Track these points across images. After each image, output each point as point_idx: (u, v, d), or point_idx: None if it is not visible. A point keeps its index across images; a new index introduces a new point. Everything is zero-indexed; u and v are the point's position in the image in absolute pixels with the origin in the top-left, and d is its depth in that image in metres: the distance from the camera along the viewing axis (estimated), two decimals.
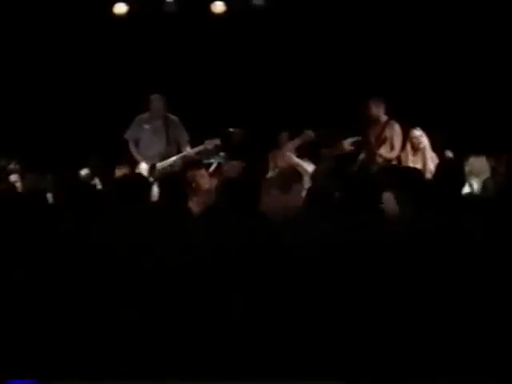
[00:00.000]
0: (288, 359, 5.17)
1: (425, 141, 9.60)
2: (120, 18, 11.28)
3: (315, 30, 11.29)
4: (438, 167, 6.48)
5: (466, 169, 7.45)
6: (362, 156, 9.95)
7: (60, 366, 5.25)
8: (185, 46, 11.58)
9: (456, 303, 5.15)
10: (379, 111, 9.89)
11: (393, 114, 9.95)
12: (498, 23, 10.88)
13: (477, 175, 7.98)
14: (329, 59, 11.26)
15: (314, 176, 7.89)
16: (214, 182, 8.49)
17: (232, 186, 5.96)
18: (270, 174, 9.07)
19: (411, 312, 5.18)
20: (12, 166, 9.37)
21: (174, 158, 9.83)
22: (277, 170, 9.34)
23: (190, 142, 10.00)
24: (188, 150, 9.83)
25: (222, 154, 9.96)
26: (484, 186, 8.00)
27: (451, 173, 5.92)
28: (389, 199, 6.17)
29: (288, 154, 9.28)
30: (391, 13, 11.07)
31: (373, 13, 11.10)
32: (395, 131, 9.81)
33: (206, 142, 9.77)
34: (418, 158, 9.48)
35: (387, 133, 9.86)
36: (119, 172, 9.70)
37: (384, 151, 9.75)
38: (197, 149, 9.80)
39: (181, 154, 9.88)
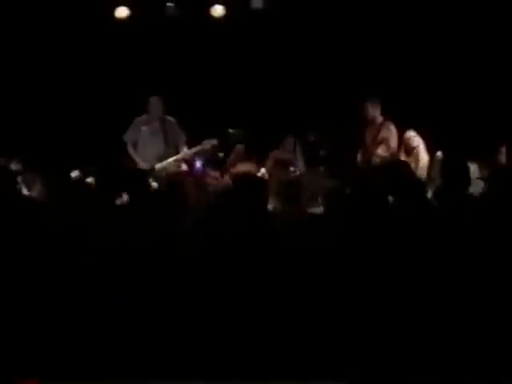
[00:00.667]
0: (290, 359, 5.23)
1: (419, 142, 9.60)
2: (121, 21, 11.20)
3: (313, 34, 11.23)
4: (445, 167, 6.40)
5: None
6: (358, 156, 10.02)
7: (60, 366, 5.31)
8: (185, 49, 11.51)
9: (455, 305, 5.18)
10: (375, 112, 9.92)
11: (388, 115, 9.93)
12: (489, 30, 10.81)
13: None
14: (326, 62, 11.20)
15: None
16: (224, 181, 8.76)
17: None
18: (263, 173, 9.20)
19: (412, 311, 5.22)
20: (13, 166, 9.12)
21: (171, 159, 9.80)
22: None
23: (188, 143, 9.96)
24: (185, 151, 9.81)
25: (220, 154, 9.93)
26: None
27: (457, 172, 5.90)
28: None
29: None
30: (387, 18, 11.00)
31: (370, 18, 11.04)
32: (391, 132, 9.80)
33: (204, 142, 9.75)
34: (412, 158, 9.38)
35: (383, 133, 9.84)
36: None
37: (380, 151, 9.72)
38: (194, 149, 9.77)
39: (178, 155, 9.83)
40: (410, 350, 5.24)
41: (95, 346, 5.40)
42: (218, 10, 11.09)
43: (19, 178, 9.05)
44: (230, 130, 10.10)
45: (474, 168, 7.93)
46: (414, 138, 9.58)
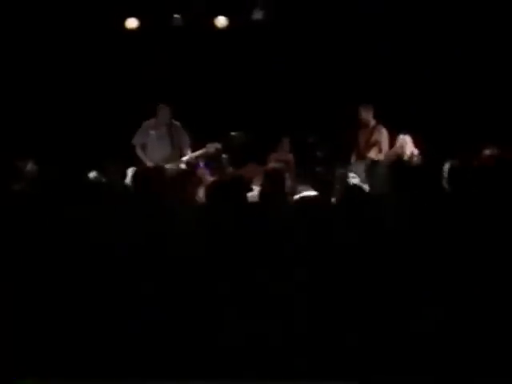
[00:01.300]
0: (291, 359, 5.11)
1: (409, 143, 9.69)
2: (131, 31, 11.44)
3: (309, 43, 11.35)
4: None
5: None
6: (352, 158, 10.07)
7: (59, 366, 5.21)
8: (190, 57, 11.64)
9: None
10: (368, 116, 10.12)
11: (381, 119, 10.10)
12: (471, 37, 10.92)
13: None
14: (322, 69, 11.32)
15: None
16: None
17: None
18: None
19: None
20: (30, 167, 9.10)
21: (177, 163, 9.90)
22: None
23: (193, 146, 10.12)
24: (190, 154, 9.99)
25: (224, 156, 9.90)
26: None
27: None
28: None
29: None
30: (379, 31, 11.11)
31: (364, 28, 11.13)
32: (383, 135, 9.99)
33: (208, 145, 9.84)
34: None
35: (375, 136, 10.02)
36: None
37: (373, 154, 9.84)
38: (198, 152, 9.92)
39: (183, 158, 9.97)
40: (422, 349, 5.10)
41: (95, 346, 5.31)
42: (221, 21, 11.40)
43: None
44: (233, 133, 10.30)
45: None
46: (403, 141, 9.69)
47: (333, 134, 10.38)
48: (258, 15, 11.43)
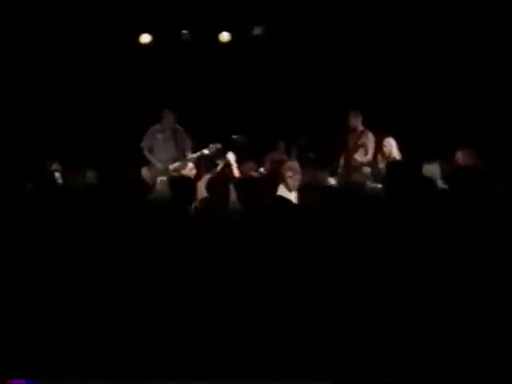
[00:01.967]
0: (291, 359, 4.96)
1: (394, 146, 9.97)
2: (145, 46, 11.81)
3: (303, 55, 11.58)
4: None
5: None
6: (341, 160, 10.26)
7: (59, 365, 5.07)
8: (196, 68, 11.89)
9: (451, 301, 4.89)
10: (357, 122, 10.32)
11: (368, 125, 10.28)
12: (452, 41, 11.06)
13: None
14: (315, 79, 11.55)
15: None
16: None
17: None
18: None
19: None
20: (55, 166, 9.31)
21: (180, 162, 10.23)
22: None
23: (194, 147, 10.38)
24: (191, 155, 10.27)
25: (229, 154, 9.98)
26: None
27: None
28: None
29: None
30: (367, 42, 11.36)
31: (352, 41, 11.36)
32: (369, 139, 10.22)
33: (210, 146, 10.16)
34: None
35: (363, 140, 10.24)
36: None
37: (359, 156, 10.14)
38: (199, 153, 10.22)
39: (185, 158, 10.24)
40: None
41: (95, 346, 5.18)
42: (224, 36, 11.81)
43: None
44: (234, 136, 10.55)
45: (435, 167, 8.06)
46: (387, 144, 10.02)
47: (324, 138, 10.64)
48: (257, 31, 11.77)
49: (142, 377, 5.04)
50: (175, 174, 9.74)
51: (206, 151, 10.19)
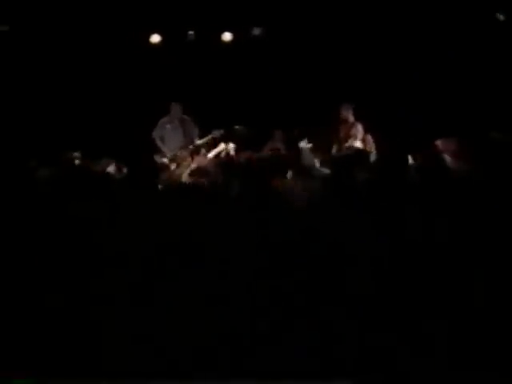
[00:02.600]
0: (291, 359, 4.82)
1: (370, 141, 10.34)
2: (154, 45, 12.07)
3: (299, 53, 11.86)
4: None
5: None
6: (333, 147, 10.49)
7: (59, 365, 4.93)
8: (201, 65, 12.16)
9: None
10: (348, 114, 10.73)
11: (358, 117, 10.66)
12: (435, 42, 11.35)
13: None
14: (309, 76, 11.85)
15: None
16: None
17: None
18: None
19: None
20: (76, 154, 9.20)
21: (190, 148, 10.53)
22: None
23: (200, 135, 10.73)
24: (198, 141, 10.61)
25: (231, 144, 9.97)
26: None
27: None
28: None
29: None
30: (360, 42, 11.63)
31: (345, 39, 11.63)
32: (359, 130, 10.60)
33: (213, 131, 10.49)
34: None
35: (353, 131, 10.60)
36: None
37: (349, 145, 10.26)
38: (205, 139, 10.53)
39: (193, 144, 10.57)
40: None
41: (95, 346, 5.00)
42: (227, 36, 12.07)
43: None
44: (236, 127, 10.69)
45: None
46: (368, 139, 10.42)
47: (317, 129, 10.41)
48: (256, 32, 11.99)
49: (142, 377, 4.88)
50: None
51: (210, 137, 10.47)
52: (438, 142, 8.17)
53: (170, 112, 11.07)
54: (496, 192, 5.19)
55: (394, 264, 4.91)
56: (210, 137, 10.48)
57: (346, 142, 10.56)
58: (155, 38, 12.07)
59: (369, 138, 10.47)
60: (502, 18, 9.90)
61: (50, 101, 11.75)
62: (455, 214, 5.02)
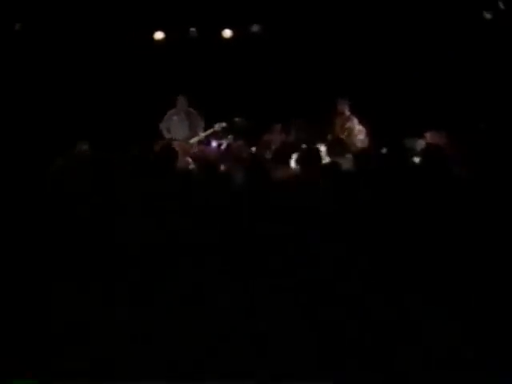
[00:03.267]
0: (291, 359, 4.79)
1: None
2: (158, 41, 12.25)
3: (298, 47, 11.95)
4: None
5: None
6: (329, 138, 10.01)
7: (59, 365, 4.92)
8: (203, 60, 12.30)
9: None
10: (344, 107, 10.84)
11: (353, 110, 10.75)
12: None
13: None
14: (306, 70, 11.93)
15: None
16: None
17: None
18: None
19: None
20: (84, 147, 9.07)
21: (195, 139, 10.76)
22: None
23: (204, 127, 11.01)
24: (202, 134, 10.87)
25: (229, 136, 10.49)
26: None
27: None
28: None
29: None
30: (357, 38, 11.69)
31: (343, 36, 11.66)
32: (354, 122, 10.69)
33: (216, 125, 10.72)
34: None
35: (349, 124, 10.72)
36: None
37: (344, 137, 10.22)
38: (208, 131, 10.78)
39: (198, 137, 10.81)
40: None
41: (95, 346, 4.96)
42: (227, 33, 12.28)
43: None
44: (236, 119, 10.90)
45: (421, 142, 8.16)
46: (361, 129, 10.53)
47: (315, 121, 10.56)
48: (255, 29, 12.21)
49: (141, 377, 4.85)
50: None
51: (212, 130, 10.70)
52: (427, 135, 8.45)
53: (176, 105, 11.26)
54: (486, 186, 5.22)
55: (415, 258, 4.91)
56: (212, 130, 10.71)
57: (342, 134, 10.64)
58: (159, 35, 12.24)
59: (362, 128, 10.58)
60: (502, 6, 9.95)
61: (59, 94, 11.80)
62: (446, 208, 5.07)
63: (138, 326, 4.97)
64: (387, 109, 11.34)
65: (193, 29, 12.27)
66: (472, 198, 5.07)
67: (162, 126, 11.28)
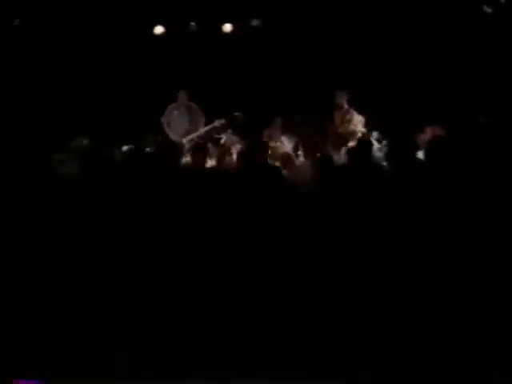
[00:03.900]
0: (290, 359, 4.78)
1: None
2: (158, 36, 12.21)
3: (297, 42, 11.91)
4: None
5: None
6: (329, 131, 10.65)
7: (59, 366, 4.89)
8: (203, 55, 12.25)
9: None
10: (343, 100, 10.82)
11: (352, 103, 10.75)
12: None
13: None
14: (306, 64, 11.89)
15: None
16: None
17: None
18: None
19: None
20: (85, 142, 8.62)
21: (194, 134, 10.79)
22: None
23: (205, 122, 10.94)
24: (202, 129, 10.86)
25: (229, 131, 10.56)
26: None
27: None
28: None
29: None
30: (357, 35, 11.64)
31: (343, 32, 11.63)
32: (353, 116, 10.70)
33: (216, 121, 10.72)
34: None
35: (347, 116, 10.72)
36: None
37: (344, 129, 10.56)
38: (208, 127, 10.79)
39: (198, 132, 10.82)
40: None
41: (95, 346, 4.93)
42: (227, 27, 12.21)
43: None
44: (236, 114, 11.00)
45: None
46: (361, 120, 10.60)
47: (314, 114, 10.91)
48: (254, 23, 12.16)
49: (142, 377, 4.85)
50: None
51: (212, 126, 10.71)
52: (426, 129, 8.47)
53: (177, 100, 11.21)
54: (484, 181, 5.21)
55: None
56: (212, 125, 10.71)
57: (341, 126, 10.73)
58: (159, 29, 12.22)
59: (361, 118, 10.61)
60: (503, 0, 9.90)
61: (59, 89, 11.74)
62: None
63: (137, 326, 4.94)
64: (387, 102, 11.26)
65: (192, 23, 12.24)
66: (474, 195, 5.08)
67: (163, 120, 11.22)
